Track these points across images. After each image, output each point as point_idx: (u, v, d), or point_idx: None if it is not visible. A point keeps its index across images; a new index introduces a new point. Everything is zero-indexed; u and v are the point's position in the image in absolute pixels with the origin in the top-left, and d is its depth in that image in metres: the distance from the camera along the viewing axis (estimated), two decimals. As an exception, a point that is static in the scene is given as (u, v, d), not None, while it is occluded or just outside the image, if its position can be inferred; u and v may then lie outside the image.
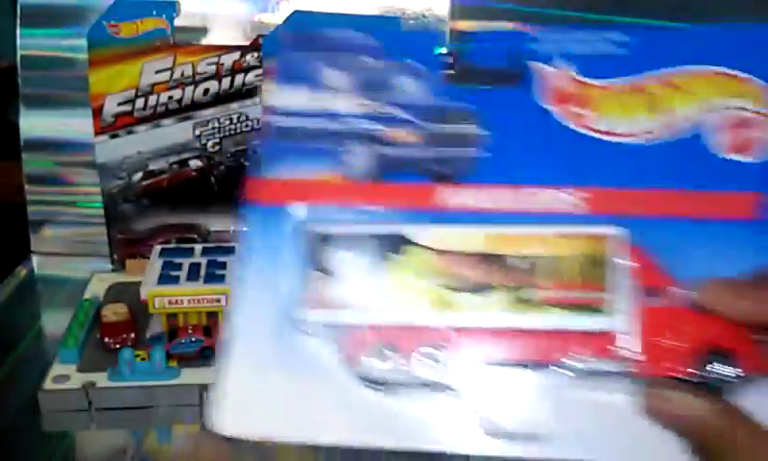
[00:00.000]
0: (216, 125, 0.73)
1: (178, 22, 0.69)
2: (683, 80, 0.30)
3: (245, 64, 0.71)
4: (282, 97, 0.31)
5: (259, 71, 0.70)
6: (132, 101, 0.71)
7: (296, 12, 0.70)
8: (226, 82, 0.71)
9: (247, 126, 0.73)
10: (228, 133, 0.73)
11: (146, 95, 0.71)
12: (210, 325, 0.60)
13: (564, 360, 0.29)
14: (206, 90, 0.71)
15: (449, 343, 0.30)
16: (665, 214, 0.29)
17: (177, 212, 0.75)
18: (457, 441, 0.30)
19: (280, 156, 0.31)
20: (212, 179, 0.74)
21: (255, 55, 0.70)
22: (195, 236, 0.74)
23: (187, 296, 0.60)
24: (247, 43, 0.71)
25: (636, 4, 0.77)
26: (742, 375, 0.29)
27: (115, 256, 0.74)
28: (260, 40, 0.69)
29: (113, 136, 0.72)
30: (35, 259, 0.80)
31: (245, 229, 0.32)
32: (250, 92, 0.72)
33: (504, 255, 0.29)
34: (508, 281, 0.29)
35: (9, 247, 0.81)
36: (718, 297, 0.28)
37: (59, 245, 0.80)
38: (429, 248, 0.30)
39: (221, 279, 0.61)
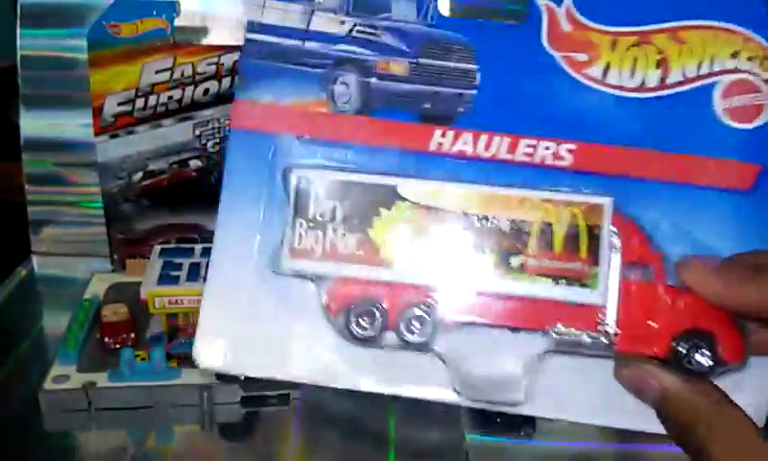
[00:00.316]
0: (216, 125, 0.73)
1: (178, 22, 0.69)
2: (690, 34, 0.28)
3: (245, 64, 0.71)
4: (267, 13, 0.29)
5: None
6: (131, 101, 0.71)
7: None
8: (226, 82, 0.71)
9: (247, 126, 0.73)
10: (228, 133, 0.73)
11: (146, 95, 0.71)
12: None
13: (546, 328, 0.29)
14: (206, 90, 0.71)
15: (435, 303, 0.30)
16: (657, 177, 0.28)
17: (177, 212, 0.75)
18: (436, 391, 0.30)
19: (265, 76, 0.29)
20: (212, 179, 0.74)
21: (255, 55, 0.70)
22: (195, 236, 0.74)
23: (187, 296, 0.60)
24: (247, 43, 0.71)
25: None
26: (719, 361, 0.28)
27: (115, 256, 0.74)
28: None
29: (113, 136, 0.72)
30: (35, 259, 0.80)
31: (228, 153, 0.31)
32: (250, 92, 0.72)
33: (496, 217, 0.28)
34: (499, 246, 0.28)
35: (9, 247, 0.81)
36: (701, 278, 0.27)
37: (59, 245, 0.80)
38: (420, 204, 0.29)
39: (221, 279, 0.61)
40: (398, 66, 0.28)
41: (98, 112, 0.70)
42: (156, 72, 0.70)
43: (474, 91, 0.28)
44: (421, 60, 0.27)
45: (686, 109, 0.28)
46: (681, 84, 0.28)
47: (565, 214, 0.28)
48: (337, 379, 0.31)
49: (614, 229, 0.28)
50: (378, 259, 0.30)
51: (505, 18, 0.31)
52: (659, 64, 0.28)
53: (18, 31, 0.75)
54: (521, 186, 0.29)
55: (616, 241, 0.28)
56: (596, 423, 0.31)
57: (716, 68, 0.28)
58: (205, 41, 0.75)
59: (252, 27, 0.30)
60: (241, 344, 0.32)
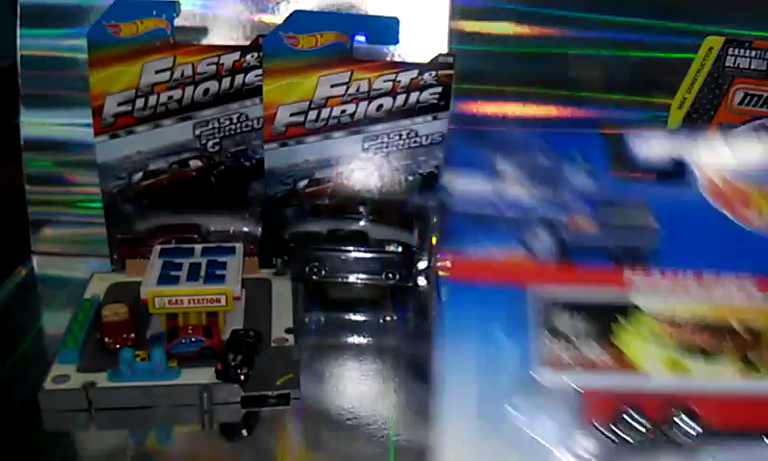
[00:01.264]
0: (216, 125, 0.73)
1: (178, 22, 0.69)
2: None
3: (245, 64, 0.71)
4: (463, 183, 0.32)
5: (259, 71, 0.70)
6: (132, 101, 0.71)
7: (296, 11, 0.70)
8: (226, 82, 0.71)
9: (247, 126, 0.73)
10: (227, 133, 0.73)
11: (146, 95, 0.71)
12: (210, 325, 0.60)
13: None
14: (206, 90, 0.71)
15: (691, 408, 0.30)
16: None
17: (177, 212, 0.75)
18: None
19: (470, 235, 0.32)
20: (212, 179, 0.74)
21: (255, 55, 0.70)
22: (195, 236, 0.74)
23: (187, 296, 0.60)
24: (247, 43, 0.71)
25: (636, 4, 0.77)
26: None
27: (115, 256, 0.74)
28: (260, 40, 0.69)
29: (113, 136, 0.72)
30: (35, 259, 0.80)
31: (443, 300, 0.32)
32: (250, 92, 0.72)
33: (730, 324, 0.30)
34: (736, 348, 0.29)
35: (9, 247, 0.81)
36: None
37: (59, 245, 0.80)
38: (654, 316, 0.30)
39: (221, 279, 0.61)
40: (584, 222, 0.31)
41: (98, 112, 0.70)
42: (156, 72, 0.70)
43: (654, 237, 0.32)
44: (603, 217, 0.31)
45: None
46: None
47: None
48: None
49: None
50: (630, 367, 0.30)
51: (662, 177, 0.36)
52: None
53: (18, 31, 0.75)
54: None
55: None
56: None
57: None
58: (205, 41, 0.75)
59: (454, 194, 0.32)
60: None
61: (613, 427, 0.30)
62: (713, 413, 0.30)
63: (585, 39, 0.78)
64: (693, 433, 0.30)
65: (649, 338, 0.30)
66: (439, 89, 0.70)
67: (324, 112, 0.71)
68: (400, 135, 0.72)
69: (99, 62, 0.69)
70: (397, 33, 0.69)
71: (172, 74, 0.70)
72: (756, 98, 0.75)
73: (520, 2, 0.77)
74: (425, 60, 0.70)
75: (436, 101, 0.71)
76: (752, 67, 0.74)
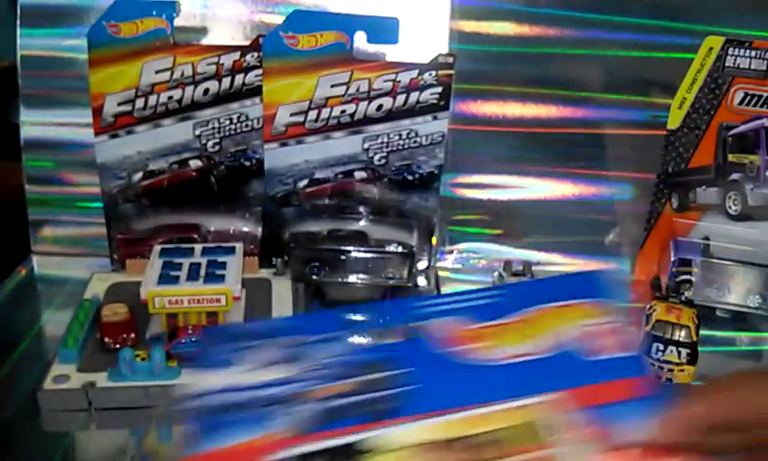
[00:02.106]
0: (216, 125, 0.73)
1: (178, 22, 0.69)
2: (543, 313, 0.38)
3: (245, 64, 0.71)
4: (208, 380, 0.34)
5: (259, 71, 0.70)
6: (132, 101, 0.71)
7: (296, 11, 0.70)
8: (226, 82, 0.71)
9: (247, 126, 0.73)
10: (227, 133, 0.73)
11: (146, 95, 0.71)
12: (210, 325, 0.60)
13: None
14: (206, 90, 0.71)
15: None
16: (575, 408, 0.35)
17: (177, 212, 0.75)
18: None
19: (213, 431, 0.32)
20: (212, 179, 0.74)
21: (255, 55, 0.70)
22: (195, 236, 0.74)
23: (187, 296, 0.60)
24: (247, 43, 0.71)
25: (637, 4, 0.77)
26: None
27: (115, 256, 0.74)
28: (260, 40, 0.69)
29: (113, 136, 0.72)
30: (35, 259, 0.80)
31: None
32: (250, 92, 0.72)
33: (469, 435, 0.32)
34: (479, 457, 0.32)
35: (9, 247, 0.81)
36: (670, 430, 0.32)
37: (59, 245, 0.80)
38: (394, 449, 0.32)
39: (221, 279, 0.61)
40: (335, 390, 0.34)
41: (98, 112, 0.70)
42: (156, 72, 0.70)
43: (399, 389, 0.35)
44: (354, 382, 0.34)
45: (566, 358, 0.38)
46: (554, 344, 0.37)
47: (524, 414, 0.33)
48: None
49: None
50: None
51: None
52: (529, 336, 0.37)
53: (18, 31, 0.75)
54: None
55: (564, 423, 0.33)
56: None
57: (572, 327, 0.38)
58: (205, 41, 0.75)
59: (196, 395, 0.34)
60: None
61: None
62: None
63: (585, 39, 0.78)
64: None
65: None
66: (439, 89, 0.70)
67: (324, 112, 0.71)
68: (400, 135, 0.72)
69: (99, 62, 0.69)
70: (397, 33, 0.69)
71: (172, 74, 0.70)
72: (755, 98, 0.75)
73: (520, 2, 0.77)
74: (425, 60, 0.70)
75: (436, 101, 0.71)
76: (752, 67, 0.74)
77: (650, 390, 0.35)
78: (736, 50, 0.74)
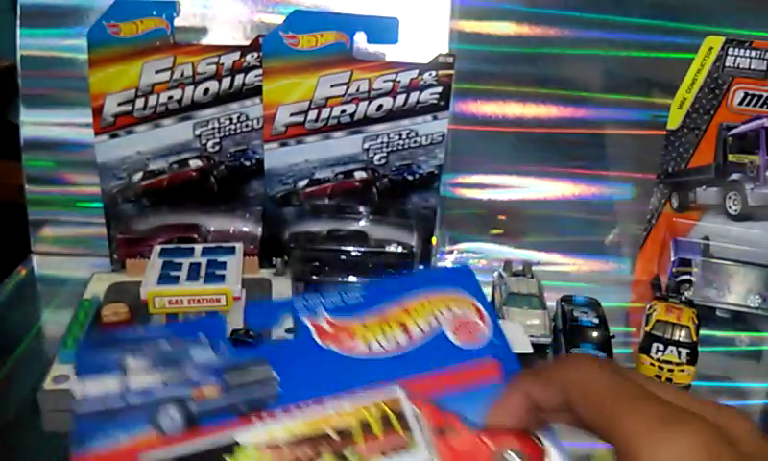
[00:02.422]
0: (216, 125, 0.73)
1: (178, 22, 0.69)
2: (408, 305, 0.41)
3: (245, 64, 0.71)
4: (90, 387, 0.35)
5: (259, 71, 0.70)
6: (132, 101, 0.71)
7: (296, 11, 0.70)
8: (226, 82, 0.71)
9: (247, 126, 0.73)
10: (227, 133, 0.73)
11: (146, 95, 0.71)
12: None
13: None
14: (206, 90, 0.71)
15: None
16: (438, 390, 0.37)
17: (177, 212, 0.75)
18: None
19: (97, 433, 0.34)
20: (212, 179, 0.74)
21: (255, 55, 0.70)
22: (195, 236, 0.74)
23: (187, 296, 0.60)
24: (247, 43, 0.71)
25: (637, 4, 0.77)
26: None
27: (115, 256, 0.74)
28: (260, 40, 0.69)
29: (113, 136, 0.72)
30: (35, 259, 0.80)
31: None
32: (250, 92, 0.72)
33: (325, 431, 0.35)
34: (332, 450, 0.34)
35: (9, 247, 0.81)
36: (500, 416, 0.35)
37: (59, 245, 0.80)
38: (255, 445, 0.34)
39: (221, 279, 0.61)
40: (211, 390, 0.36)
41: (98, 112, 0.70)
42: (156, 72, 0.70)
43: (275, 384, 0.37)
44: (228, 381, 0.36)
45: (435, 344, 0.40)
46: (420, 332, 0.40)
47: (378, 408, 0.36)
48: None
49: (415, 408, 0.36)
50: None
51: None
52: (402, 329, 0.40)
53: (18, 31, 0.75)
54: None
55: (417, 412, 0.36)
56: None
57: (440, 316, 0.41)
58: (205, 41, 0.75)
59: (80, 402, 0.35)
60: None
61: None
62: None
63: (585, 39, 0.78)
64: None
65: None
66: (439, 89, 0.70)
67: (325, 112, 0.71)
68: (400, 135, 0.72)
69: (99, 62, 0.69)
70: (397, 33, 0.69)
71: (172, 74, 0.70)
72: (755, 98, 0.75)
73: (520, 2, 0.77)
74: (425, 60, 0.70)
75: (436, 101, 0.71)
76: (752, 67, 0.74)
77: (499, 377, 0.37)
78: (736, 50, 0.74)
